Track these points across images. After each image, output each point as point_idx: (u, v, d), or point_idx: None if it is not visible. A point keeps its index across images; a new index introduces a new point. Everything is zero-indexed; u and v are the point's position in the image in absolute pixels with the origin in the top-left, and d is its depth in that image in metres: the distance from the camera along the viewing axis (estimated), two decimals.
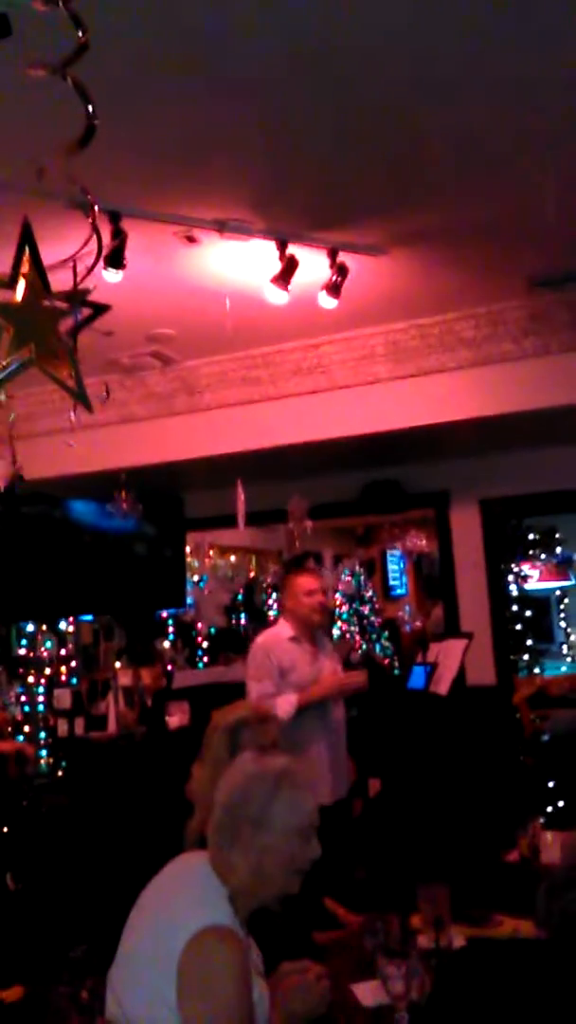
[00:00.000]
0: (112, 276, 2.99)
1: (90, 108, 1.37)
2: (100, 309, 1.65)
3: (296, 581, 3.83)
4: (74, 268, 1.71)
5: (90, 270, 1.53)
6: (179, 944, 1.59)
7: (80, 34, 1.35)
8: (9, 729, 4.84)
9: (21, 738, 5.30)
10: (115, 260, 2.97)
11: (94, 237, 1.68)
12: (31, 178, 2.15)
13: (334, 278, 3.47)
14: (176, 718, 5.24)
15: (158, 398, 5.06)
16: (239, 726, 2.46)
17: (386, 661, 8.57)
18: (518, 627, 6.36)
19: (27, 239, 1.53)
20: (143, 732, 5.19)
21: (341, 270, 3.47)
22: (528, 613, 6.50)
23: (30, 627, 5.94)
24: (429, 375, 4.53)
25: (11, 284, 1.53)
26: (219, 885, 1.70)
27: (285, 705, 3.50)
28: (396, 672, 8.09)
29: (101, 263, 2.39)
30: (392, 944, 2.24)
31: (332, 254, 3.44)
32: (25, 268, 1.54)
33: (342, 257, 3.46)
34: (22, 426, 5.01)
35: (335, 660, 3.92)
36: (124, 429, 5.08)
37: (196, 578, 7.05)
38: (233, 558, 7.99)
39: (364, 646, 8.55)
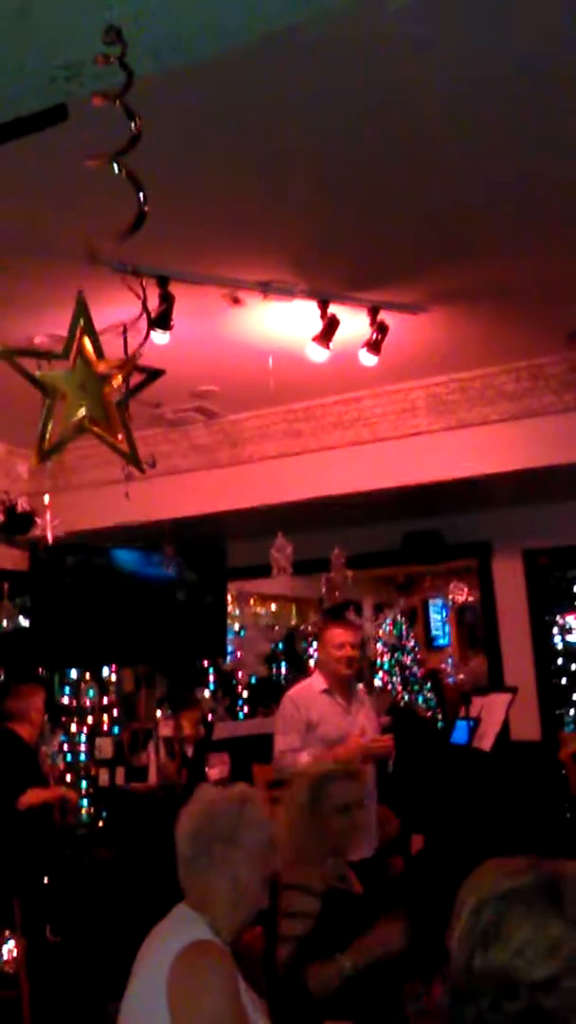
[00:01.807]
0: (160, 337, 3.10)
1: (141, 196, 1.46)
2: (154, 375, 1.73)
3: (328, 633, 3.85)
4: (124, 336, 1.80)
5: (142, 343, 1.61)
6: (164, 969, 1.64)
7: (133, 126, 1.45)
8: (52, 781, 4.88)
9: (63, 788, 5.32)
10: (163, 322, 3.08)
11: (141, 305, 1.76)
12: (83, 247, 2.27)
13: (375, 336, 3.55)
14: (217, 770, 5.23)
15: (202, 451, 5.16)
16: (326, 780, 2.46)
17: (428, 713, 8.44)
18: (564, 681, 6.24)
19: (81, 312, 1.62)
20: (184, 784, 5.18)
21: (381, 328, 3.55)
22: (574, 667, 6.38)
23: (73, 674, 6.00)
24: (470, 427, 4.56)
25: (65, 354, 1.62)
26: (195, 916, 1.76)
27: (305, 761, 3.47)
28: (439, 725, 7.96)
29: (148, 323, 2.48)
30: (433, 1009, 2.20)
31: (373, 312, 3.52)
32: (78, 338, 1.62)
33: (382, 315, 3.54)
34: (70, 478, 5.16)
35: (369, 710, 3.89)
36: (168, 481, 5.18)
37: (237, 627, 7.07)
38: (274, 606, 8.00)
39: (406, 697, 8.44)
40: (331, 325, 3.43)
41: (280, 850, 2.29)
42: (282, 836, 2.35)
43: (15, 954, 4.11)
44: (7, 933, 4.24)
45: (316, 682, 3.79)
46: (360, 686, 4.00)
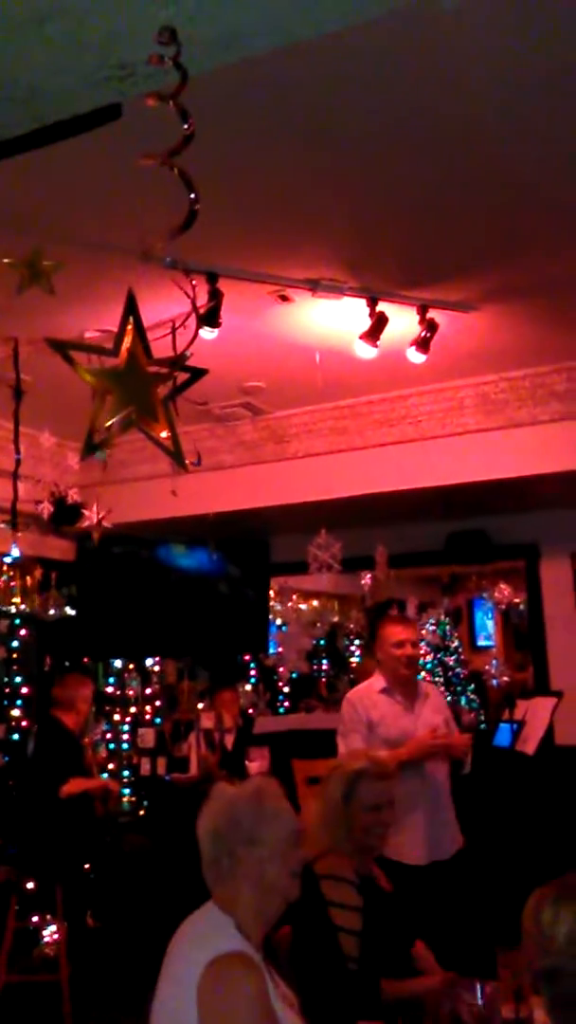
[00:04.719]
0: (208, 334, 3.11)
1: (192, 195, 1.47)
2: (198, 373, 1.74)
3: (385, 631, 3.68)
4: (173, 334, 1.81)
5: (190, 342, 1.62)
6: (195, 978, 1.64)
7: (185, 126, 1.46)
8: (96, 770, 4.95)
9: (105, 775, 5.40)
10: (211, 319, 3.10)
11: (191, 304, 1.77)
12: (134, 243, 2.29)
13: (423, 334, 3.52)
14: (257, 764, 5.24)
15: (247, 446, 5.18)
16: (358, 777, 2.47)
17: (471, 715, 8.35)
18: None
19: (131, 309, 1.64)
20: (224, 776, 5.22)
21: (430, 326, 3.52)
22: None
23: (118, 664, 6.08)
24: (520, 427, 4.50)
25: (115, 351, 1.64)
26: (224, 918, 1.76)
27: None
28: (482, 727, 7.87)
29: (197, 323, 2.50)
30: (486, 1014, 2.18)
31: (422, 311, 3.49)
32: (128, 336, 1.64)
33: (431, 313, 3.51)
34: (117, 471, 5.22)
35: (440, 705, 3.72)
36: (214, 476, 5.21)
37: (279, 622, 7.09)
38: (316, 603, 8.00)
39: (449, 698, 8.37)
40: (379, 323, 3.41)
41: (313, 839, 2.33)
42: (316, 827, 2.38)
43: (56, 938, 4.19)
44: (49, 918, 4.32)
45: (375, 682, 3.64)
46: (426, 681, 3.86)
